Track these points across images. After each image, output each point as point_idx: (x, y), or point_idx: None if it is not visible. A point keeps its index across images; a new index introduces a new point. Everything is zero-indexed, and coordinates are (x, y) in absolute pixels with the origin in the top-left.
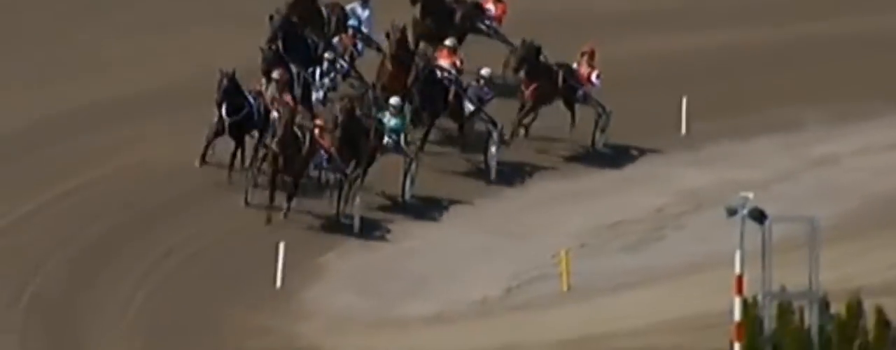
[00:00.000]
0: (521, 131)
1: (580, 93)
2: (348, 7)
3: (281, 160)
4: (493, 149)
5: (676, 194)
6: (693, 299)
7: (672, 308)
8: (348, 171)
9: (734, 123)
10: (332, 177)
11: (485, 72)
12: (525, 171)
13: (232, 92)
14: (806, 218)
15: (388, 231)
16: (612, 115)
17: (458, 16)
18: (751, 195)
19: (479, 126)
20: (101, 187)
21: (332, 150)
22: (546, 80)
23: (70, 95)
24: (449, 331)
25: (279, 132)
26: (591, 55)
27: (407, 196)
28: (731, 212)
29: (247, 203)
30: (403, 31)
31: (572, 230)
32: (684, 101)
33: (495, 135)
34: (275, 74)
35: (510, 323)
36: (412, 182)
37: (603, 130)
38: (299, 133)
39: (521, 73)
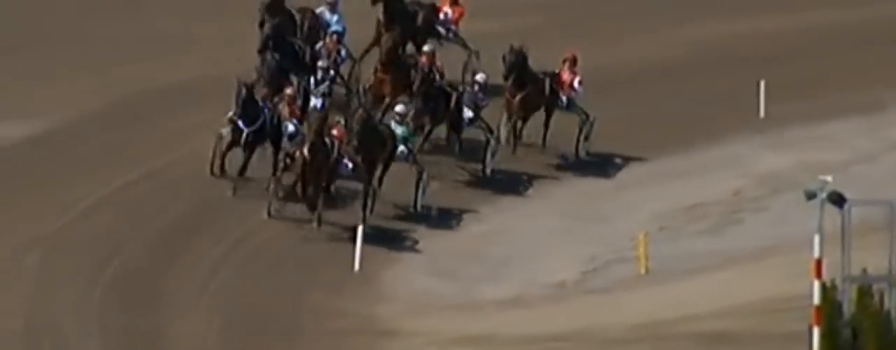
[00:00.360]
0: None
1: (563, 100)
2: (317, 11)
3: (309, 168)
4: (489, 156)
5: (754, 177)
6: (770, 283)
7: (749, 291)
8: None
9: (813, 106)
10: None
11: (480, 77)
12: (602, 155)
13: (249, 102)
14: (885, 201)
15: (467, 215)
16: (596, 123)
17: (419, 18)
18: (829, 178)
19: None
20: (179, 169)
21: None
22: (534, 88)
23: (151, 77)
24: (526, 314)
25: (309, 139)
26: (574, 61)
27: (419, 206)
28: (810, 195)
29: (270, 215)
30: (394, 38)
31: (650, 213)
32: (762, 83)
33: (493, 142)
34: (288, 90)
35: (587, 306)
36: (424, 192)
37: (587, 138)
38: (328, 141)
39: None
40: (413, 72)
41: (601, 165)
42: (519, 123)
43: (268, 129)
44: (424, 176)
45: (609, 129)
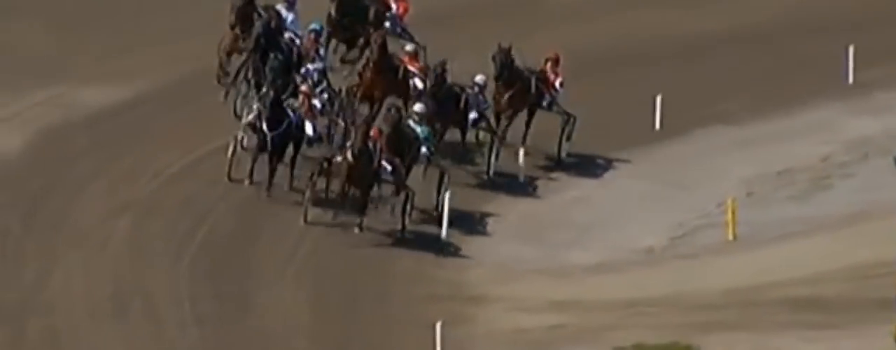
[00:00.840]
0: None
1: (546, 100)
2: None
3: (355, 173)
4: (493, 157)
5: (843, 143)
6: (859, 248)
7: (838, 257)
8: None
9: None
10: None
11: (480, 79)
12: (692, 120)
13: (276, 105)
14: None
15: (554, 181)
16: (577, 122)
17: (371, 14)
18: None
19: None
20: None
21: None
22: (520, 87)
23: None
24: (614, 279)
25: (357, 145)
26: (556, 61)
27: (442, 208)
28: None
29: (306, 221)
30: (384, 37)
31: (738, 179)
32: (851, 49)
33: (497, 143)
34: (303, 87)
35: (675, 272)
36: (447, 190)
37: (569, 138)
38: (371, 145)
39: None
40: (401, 72)
41: (689, 131)
42: (504, 122)
43: (293, 132)
44: (446, 178)
45: (697, 94)
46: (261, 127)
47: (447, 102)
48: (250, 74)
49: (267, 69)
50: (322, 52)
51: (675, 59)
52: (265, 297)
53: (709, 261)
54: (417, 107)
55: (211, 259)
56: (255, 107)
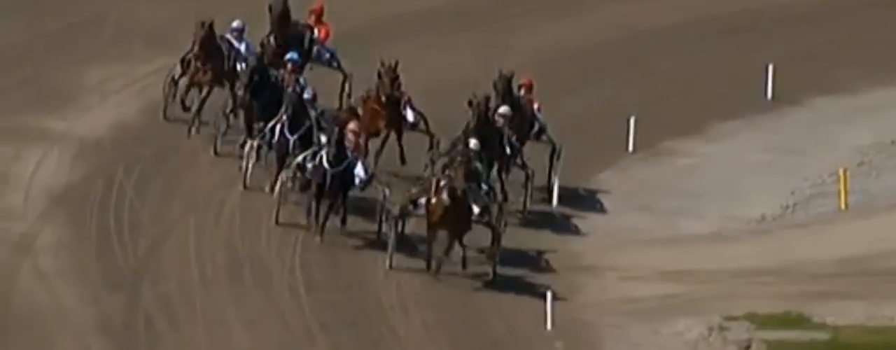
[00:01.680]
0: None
1: (536, 127)
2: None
3: (451, 215)
4: (529, 196)
5: None
6: None
7: None
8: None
9: None
10: None
11: (504, 110)
12: (805, 88)
13: (340, 142)
14: None
15: (666, 149)
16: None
17: (306, 40)
18: None
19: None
20: None
21: None
22: (518, 114)
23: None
24: (726, 249)
25: (459, 186)
26: (529, 88)
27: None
28: None
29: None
30: (395, 69)
31: (852, 147)
32: None
33: (532, 176)
34: (352, 125)
35: (787, 241)
36: (558, 158)
37: (558, 158)
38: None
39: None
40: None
41: (802, 99)
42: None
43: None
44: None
45: (811, 62)
46: (321, 164)
47: (491, 136)
48: (236, 110)
49: (289, 103)
50: (302, 80)
51: (789, 26)
52: (378, 267)
53: (821, 230)
54: (472, 142)
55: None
56: (298, 152)
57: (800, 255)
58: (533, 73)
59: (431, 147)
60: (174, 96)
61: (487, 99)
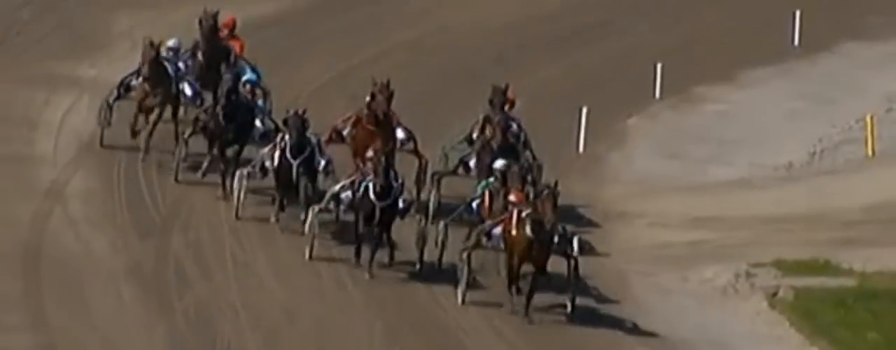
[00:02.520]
0: None
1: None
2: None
3: (535, 250)
4: None
5: None
6: None
7: None
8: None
9: None
10: None
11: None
12: (834, 34)
13: (302, 131)
14: None
15: (695, 95)
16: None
17: (231, 57)
18: None
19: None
20: (415, 47)
21: None
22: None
23: None
24: (754, 195)
25: (547, 216)
26: (512, 104)
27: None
28: None
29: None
30: (388, 87)
31: (880, 94)
32: None
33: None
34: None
35: (815, 188)
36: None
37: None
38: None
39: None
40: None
41: (831, 45)
42: None
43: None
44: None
45: (840, 8)
46: (366, 196)
47: (510, 156)
48: (195, 134)
49: (293, 127)
50: (261, 102)
51: None
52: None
53: (849, 177)
54: (498, 163)
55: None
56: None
57: (827, 202)
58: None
59: (420, 167)
60: (109, 122)
61: (507, 118)
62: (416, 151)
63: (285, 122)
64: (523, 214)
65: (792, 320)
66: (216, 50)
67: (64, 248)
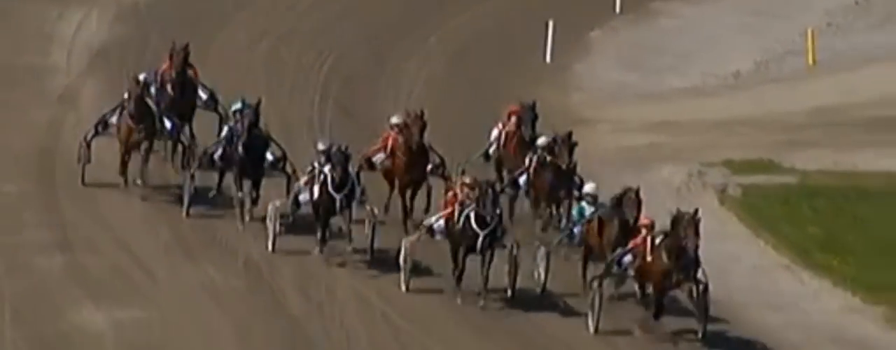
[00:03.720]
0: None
1: None
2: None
3: (664, 275)
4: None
5: None
6: None
7: None
8: None
9: None
10: None
11: (543, 141)
12: None
13: (346, 167)
14: None
15: (651, 10)
16: None
17: (198, 86)
18: None
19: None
20: None
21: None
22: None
23: None
24: (706, 102)
25: (690, 232)
26: (518, 115)
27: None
28: None
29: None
30: (423, 117)
31: (821, 10)
32: None
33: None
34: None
35: (761, 95)
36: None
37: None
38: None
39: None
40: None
41: None
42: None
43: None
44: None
45: None
46: (468, 226)
47: (562, 180)
48: (203, 167)
49: (337, 162)
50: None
51: None
52: (390, 111)
53: (791, 85)
54: (588, 187)
55: (341, 79)
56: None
57: (772, 108)
58: None
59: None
60: (89, 160)
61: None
62: (443, 175)
63: (328, 157)
64: (657, 241)
65: (739, 215)
66: (186, 80)
67: (77, 152)
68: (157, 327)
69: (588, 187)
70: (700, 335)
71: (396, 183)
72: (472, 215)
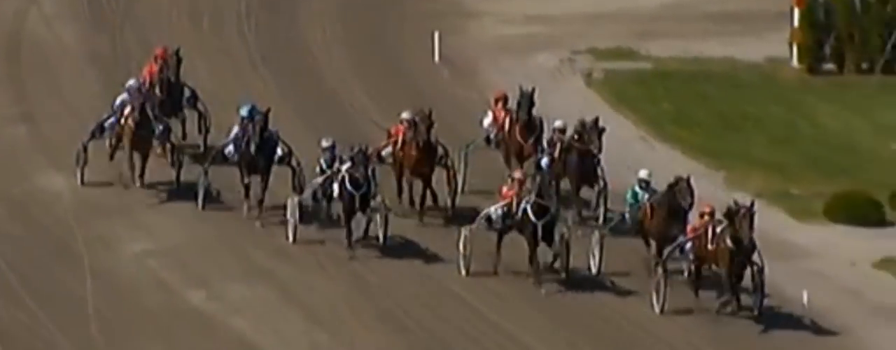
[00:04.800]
0: None
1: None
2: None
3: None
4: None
5: None
6: None
7: None
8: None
9: None
10: None
11: (643, 174)
12: None
13: (366, 166)
14: None
15: None
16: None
17: (187, 93)
18: None
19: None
20: None
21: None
22: (532, 131)
23: None
24: None
25: (745, 225)
26: (505, 101)
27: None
28: None
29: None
30: (431, 116)
31: None
32: None
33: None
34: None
35: None
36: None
37: None
38: None
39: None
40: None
41: None
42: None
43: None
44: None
45: None
46: (529, 218)
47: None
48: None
49: (359, 161)
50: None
51: None
52: (309, 8)
53: None
54: (642, 173)
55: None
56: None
57: (631, 3)
58: None
59: (449, 177)
60: (86, 161)
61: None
62: (445, 165)
63: (351, 157)
64: (719, 230)
65: (603, 95)
66: (174, 83)
67: (40, 38)
68: (110, 188)
69: (642, 173)
70: (756, 312)
71: (405, 174)
72: (530, 206)
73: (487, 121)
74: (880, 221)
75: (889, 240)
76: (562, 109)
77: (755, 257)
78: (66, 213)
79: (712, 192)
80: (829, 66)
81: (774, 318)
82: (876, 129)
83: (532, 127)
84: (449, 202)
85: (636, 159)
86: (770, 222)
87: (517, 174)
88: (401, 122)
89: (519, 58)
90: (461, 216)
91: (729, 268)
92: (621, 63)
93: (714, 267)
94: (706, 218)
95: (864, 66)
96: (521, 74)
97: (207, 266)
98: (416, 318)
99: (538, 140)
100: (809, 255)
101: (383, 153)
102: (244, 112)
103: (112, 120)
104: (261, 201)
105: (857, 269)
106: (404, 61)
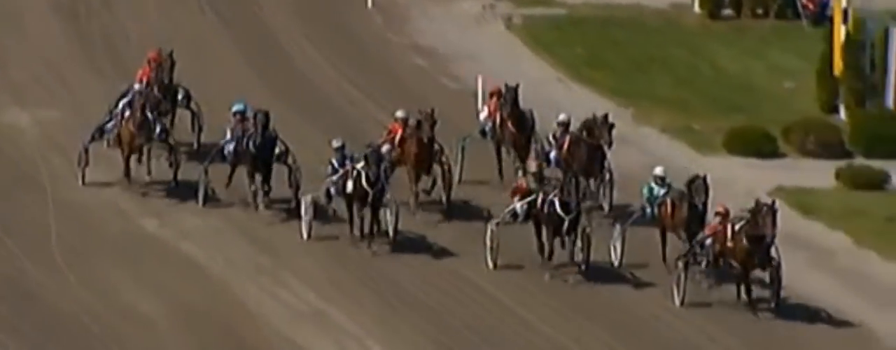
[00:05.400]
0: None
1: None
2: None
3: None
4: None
5: None
6: None
7: None
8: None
9: None
10: None
11: (659, 171)
12: None
13: (379, 164)
14: None
15: None
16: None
17: (179, 91)
18: None
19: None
20: None
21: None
22: (522, 122)
23: None
24: None
25: (768, 220)
26: (500, 95)
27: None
28: None
29: None
30: (433, 114)
31: None
32: None
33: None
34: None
35: None
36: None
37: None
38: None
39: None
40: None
41: None
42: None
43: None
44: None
45: None
46: (553, 211)
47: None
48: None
49: (374, 160)
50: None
51: None
52: None
53: None
54: (657, 170)
55: None
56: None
57: None
58: None
59: (443, 172)
60: (87, 162)
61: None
62: (440, 161)
63: (365, 156)
64: (737, 227)
65: (523, 40)
66: (169, 85)
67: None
68: (71, 125)
69: (658, 170)
70: (774, 304)
71: (408, 171)
72: (557, 201)
73: (483, 114)
74: (774, 153)
75: (782, 170)
76: (486, 52)
77: (772, 254)
78: (31, 149)
79: (621, 128)
80: (728, 11)
81: (789, 310)
82: (770, 69)
83: (523, 120)
84: (444, 197)
85: (554, 99)
86: (674, 154)
87: (532, 166)
88: (395, 120)
89: (445, 5)
90: (456, 208)
91: (745, 263)
92: (538, 9)
93: (732, 262)
94: (718, 218)
95: (760, 11)
96: (447, 19)
97: (163, 198)
98: (438, 306)
99: (531, 132)
100: (711, 185)
101: (383, 150)
102: (237, 108)
103: (112, 123)
104: (267, 192)
105: (753, 196)
106: (340, 7)
